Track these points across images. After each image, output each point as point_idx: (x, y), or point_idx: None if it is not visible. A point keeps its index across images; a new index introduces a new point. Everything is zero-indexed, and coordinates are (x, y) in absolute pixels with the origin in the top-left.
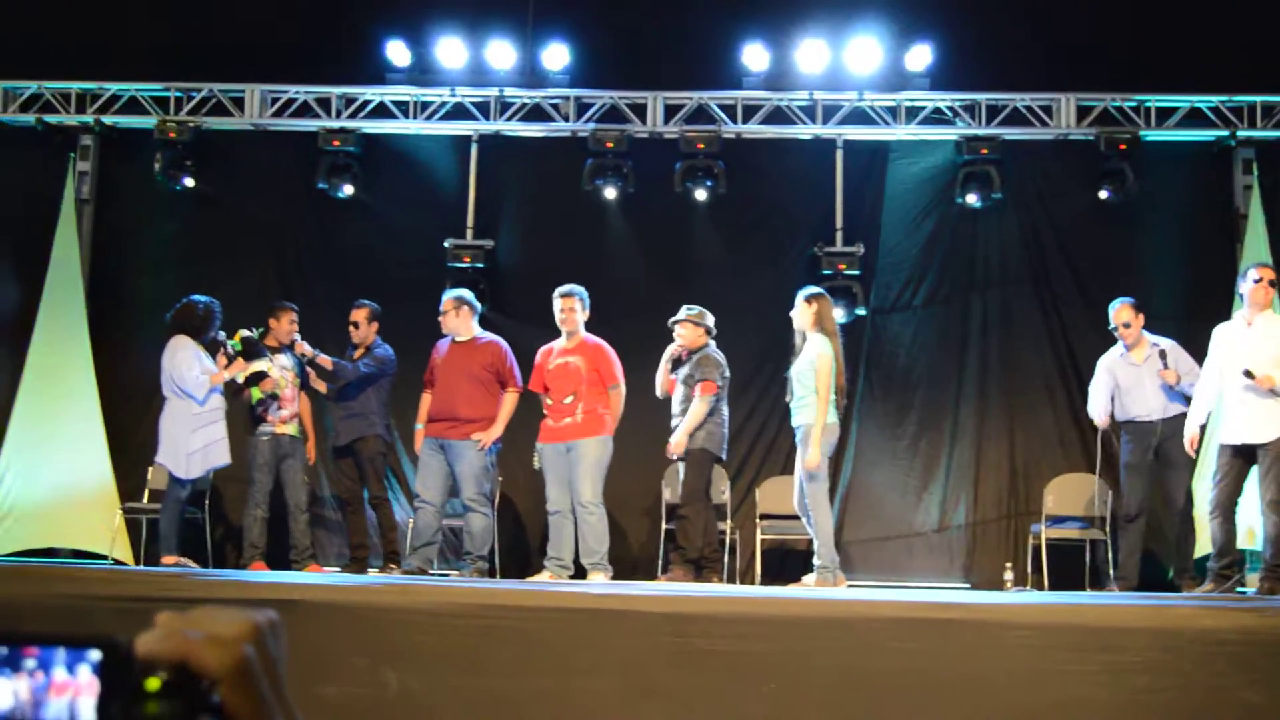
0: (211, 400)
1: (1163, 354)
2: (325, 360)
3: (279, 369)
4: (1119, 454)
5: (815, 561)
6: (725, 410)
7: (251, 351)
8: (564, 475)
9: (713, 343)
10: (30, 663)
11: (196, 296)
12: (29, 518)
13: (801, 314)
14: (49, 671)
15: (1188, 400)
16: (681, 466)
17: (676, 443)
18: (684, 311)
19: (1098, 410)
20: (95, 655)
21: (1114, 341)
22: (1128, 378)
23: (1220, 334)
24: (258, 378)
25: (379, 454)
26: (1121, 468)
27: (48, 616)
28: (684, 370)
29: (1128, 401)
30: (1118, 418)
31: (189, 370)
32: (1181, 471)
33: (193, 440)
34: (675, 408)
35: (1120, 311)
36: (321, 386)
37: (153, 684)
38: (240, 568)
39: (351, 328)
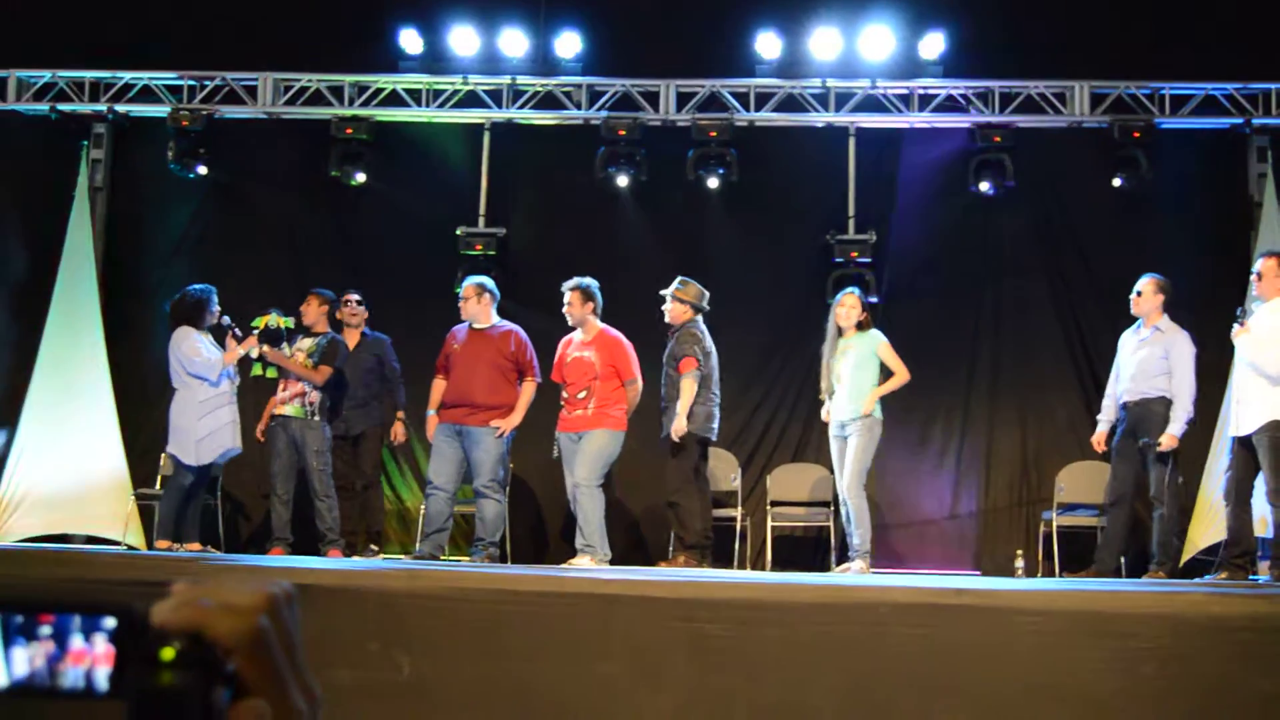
0: (222, 384)
1: (1159, 331)
2: (276, 355)
3: (298, 351)
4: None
5: (864, 549)
6: (715, 389)
7: (270, 337)
8: None
9: (700, 319)
10: (45, 630)
11: (191, 286)
12: (42, 505)
13: (854, 310)
14: (65, 639)
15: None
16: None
17: (676, 427)
18: (674, 284)
19: (1105, 417)
20: (111, 623)
21: (1133, 322)
22: (1123, 353)
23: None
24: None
25: (378, 439)
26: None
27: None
28: (667, 349)
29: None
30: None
31: (197, 355)
32: (1152, 458)
33: (199, 427)
34: (662, 389)
35: (1141, 282)
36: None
37: (167, 654)
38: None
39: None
